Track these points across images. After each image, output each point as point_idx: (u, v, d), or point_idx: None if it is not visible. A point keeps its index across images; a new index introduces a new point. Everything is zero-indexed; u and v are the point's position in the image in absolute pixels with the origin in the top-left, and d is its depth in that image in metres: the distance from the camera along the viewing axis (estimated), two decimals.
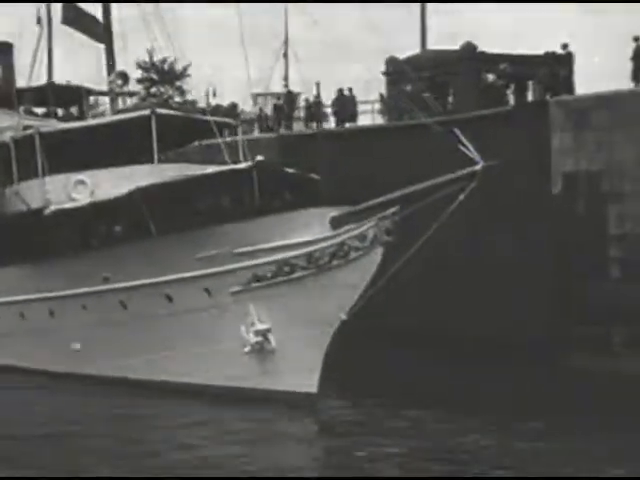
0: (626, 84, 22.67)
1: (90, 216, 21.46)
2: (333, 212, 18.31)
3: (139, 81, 45.16)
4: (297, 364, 18.73)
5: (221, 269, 19.31)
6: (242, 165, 19.85)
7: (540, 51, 25.72)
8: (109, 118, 23.66)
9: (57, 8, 26.51)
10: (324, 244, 18.14)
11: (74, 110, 29.68)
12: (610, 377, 19.81)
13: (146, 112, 22.84)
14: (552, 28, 36.10)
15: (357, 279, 17.85)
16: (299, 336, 18.65)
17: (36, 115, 28.50)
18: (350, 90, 30.27)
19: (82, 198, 22.63)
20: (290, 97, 35.23)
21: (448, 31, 34.74)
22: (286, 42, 49.93)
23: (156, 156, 22.76)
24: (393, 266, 17.88)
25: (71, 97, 28.36)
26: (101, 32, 24.49)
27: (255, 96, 42.65)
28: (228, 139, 25.11)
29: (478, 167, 17.30)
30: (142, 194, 20.04)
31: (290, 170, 20.70)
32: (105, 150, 24.01)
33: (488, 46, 26.83)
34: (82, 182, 22.84)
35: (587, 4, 39.27)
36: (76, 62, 29.28)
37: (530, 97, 26.14)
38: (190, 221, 19.57)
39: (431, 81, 27.23)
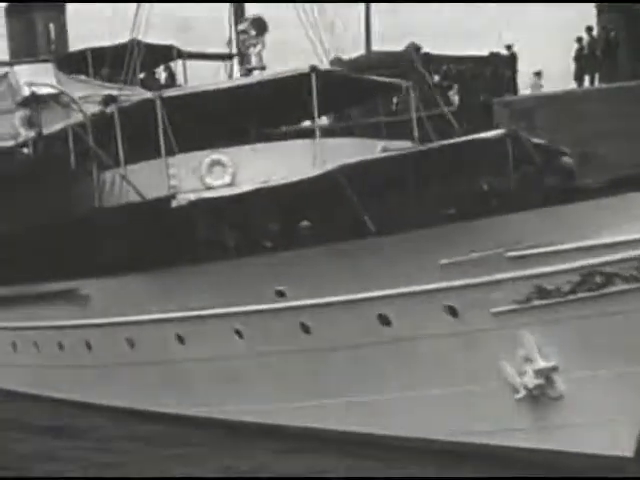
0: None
1: (256, 208, 15.59)
2: None
3: None
4: (601, 416, 13.06)
5: (483, 279, 13.47)
6: (491, 133, 14.03)
7: (485, 52, 25.80)
8: (251, 78, 17.70)
9: None
10: None
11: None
12: None
13: (304, 69, 17.05)
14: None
15: None
16: (607, 377, 12.96)
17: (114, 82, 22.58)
18: None
19: (220, 184, 16.82)
20: None
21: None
22: (230, 43, 46.57)
23: (318, 127, 17.05)
24: None
25: (158, 59, 22.45)
26: None
27: None
28: None
29: None
30: (349, 176, 14.17)
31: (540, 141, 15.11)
32: (247, 121, 18.31)
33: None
34: (220, 163, 16.94)
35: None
36: None
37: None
38: (433, 214, 13.79)
39: None
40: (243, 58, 18.68)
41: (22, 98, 21.47)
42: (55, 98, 20.24)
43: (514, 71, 25.02)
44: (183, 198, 16.32)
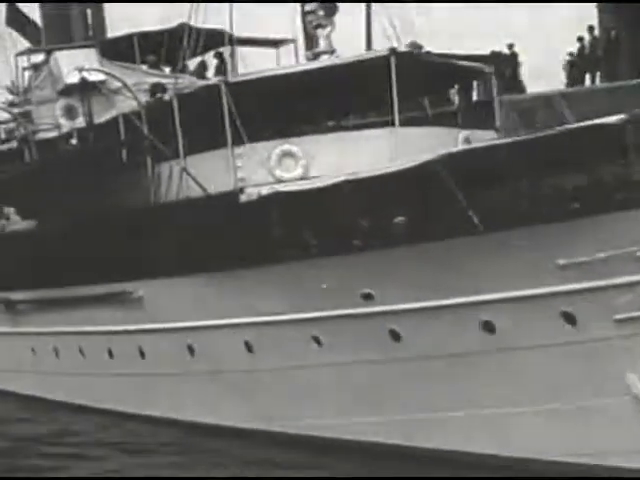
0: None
1: (341, 202, 14.10)
2: None
3: None
4: None
5: (607, 282, 12.02)
6: (611, 119, 12.52)
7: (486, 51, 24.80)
8: (324, 62, 16.17)
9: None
10: None
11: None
12: None
13: (382, 51, 15.62)
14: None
15: None
16: None
17: (160, 69, 21.13)
18: None
19: (292, 177, 15.42)
20: None
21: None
22: (232, 42, 45.89)
23: (397, 115, 15.58)
24: None
25: (208, 44, 20.89)
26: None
27: None
28: None
29: None
30: (451, 166, 12.67)
31: None
32: (319, 108, 16.86)
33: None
34: (290, 154, 15.54)
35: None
36: None
37: (475, 97, 23.95)
38: (549, 208, 12.33)
39: None
40: (310, 41, 17.18)
41: (64, 86, 20.01)
42: (102, 85, 18.81)
43: (515, 70, 24.90)
44: (253, 192, 14.85)
